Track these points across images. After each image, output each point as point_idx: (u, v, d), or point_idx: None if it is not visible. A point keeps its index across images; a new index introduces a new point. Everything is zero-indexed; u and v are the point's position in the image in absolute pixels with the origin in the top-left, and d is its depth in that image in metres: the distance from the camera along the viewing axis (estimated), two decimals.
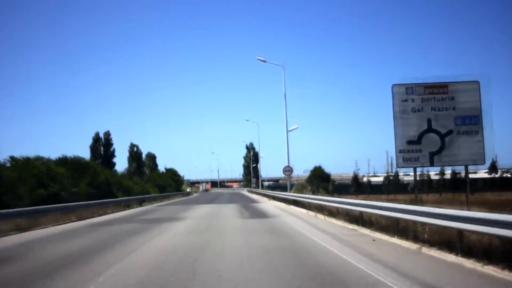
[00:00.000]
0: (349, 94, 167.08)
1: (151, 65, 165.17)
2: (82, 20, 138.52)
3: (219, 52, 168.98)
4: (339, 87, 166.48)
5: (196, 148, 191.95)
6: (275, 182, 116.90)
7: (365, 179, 79.18)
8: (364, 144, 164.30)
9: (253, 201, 35.61)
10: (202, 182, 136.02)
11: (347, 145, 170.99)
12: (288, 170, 29.88)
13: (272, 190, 56.09)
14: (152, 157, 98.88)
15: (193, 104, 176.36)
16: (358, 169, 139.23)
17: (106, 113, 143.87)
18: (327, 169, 77.51)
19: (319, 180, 67.18)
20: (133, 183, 42.95)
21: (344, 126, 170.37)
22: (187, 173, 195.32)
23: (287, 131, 30.57)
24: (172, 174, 70.73)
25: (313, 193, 42.62)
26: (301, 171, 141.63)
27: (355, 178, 75.31)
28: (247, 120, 57.57)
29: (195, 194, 79.34)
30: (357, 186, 73.00)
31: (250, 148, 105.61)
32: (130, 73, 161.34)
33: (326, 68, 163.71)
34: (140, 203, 33.43)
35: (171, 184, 66.70)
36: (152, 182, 57.38)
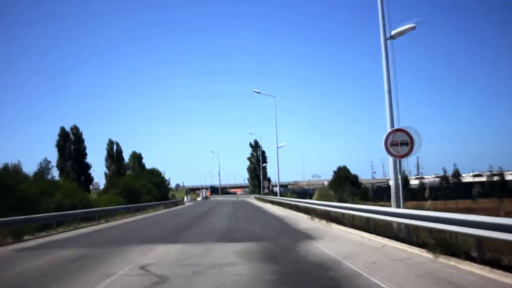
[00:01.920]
0: (358, 95, 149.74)
1: (148, 68, 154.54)
2: (77, 20, 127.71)
3: (219, 47, 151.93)
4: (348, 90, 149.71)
5: (196, 153, 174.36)
6: (284, 188, 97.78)
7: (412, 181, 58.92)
8: (367, 147, 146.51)
9: (292, 230, 14.07)
10: (203, 188, 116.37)
11: (352, 149, 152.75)
12: (403, 143, 10.32)
13: (296, 198, 36.71)
14: (137, 158, 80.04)
15: (192, 106, 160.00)
16: (374, 172, 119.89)
17: (100, 118, 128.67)
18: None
19: (345, 184, 49.19)
20: (57, 188, 23.36)
21: (354, 129, 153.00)
22: (186, 179, 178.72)
23: (386, 38, 11.11)
24: (151, 176, 50.89)
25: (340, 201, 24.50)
26: (309, 175, 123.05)
27: (405, 181, 55.18)
28: (258, 93, 38.00)
29: (187, 204, 59.76)
30: (408, 192, 53.11)
31: (256, 146, 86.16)
32: (126, 75, 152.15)
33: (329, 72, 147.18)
34: (19, 233, 13.88)
35: (150, 190, 47.11)
36: (119, 188, 37.94)
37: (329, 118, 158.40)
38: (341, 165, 63.28)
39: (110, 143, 69.17)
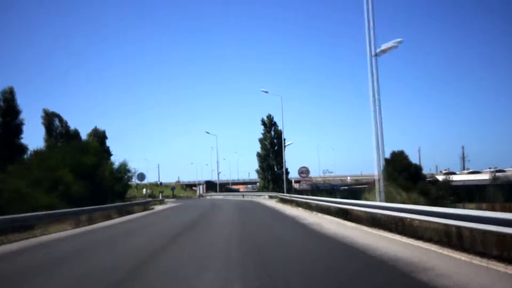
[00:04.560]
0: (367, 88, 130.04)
1: (146, 60, 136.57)
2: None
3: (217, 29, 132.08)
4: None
5: (195, 147, 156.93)
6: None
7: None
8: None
9: None
10: (200, 184, 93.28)
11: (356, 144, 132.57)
12: None
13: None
14: (99, 136, 55.41)
15: (190, 95, 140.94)
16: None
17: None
18: (352, 169, 39.77)
19: (405, 175, 36.03)
20: None
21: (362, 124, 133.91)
22: (182, 174, 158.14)
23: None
24: (78, 156, 25.54)
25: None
26: (321, 171, 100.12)
27: None
28: None
29: (160, 207, 35.20)
30: None
31: (270, 124, 60.79)
32: (126, 69, 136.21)
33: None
34: None
35: (68, 186, 22.17)
36: None
37: (334, 112, 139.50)
38: (396, 151, 43.14)
39: (47, 115, 46.11)
